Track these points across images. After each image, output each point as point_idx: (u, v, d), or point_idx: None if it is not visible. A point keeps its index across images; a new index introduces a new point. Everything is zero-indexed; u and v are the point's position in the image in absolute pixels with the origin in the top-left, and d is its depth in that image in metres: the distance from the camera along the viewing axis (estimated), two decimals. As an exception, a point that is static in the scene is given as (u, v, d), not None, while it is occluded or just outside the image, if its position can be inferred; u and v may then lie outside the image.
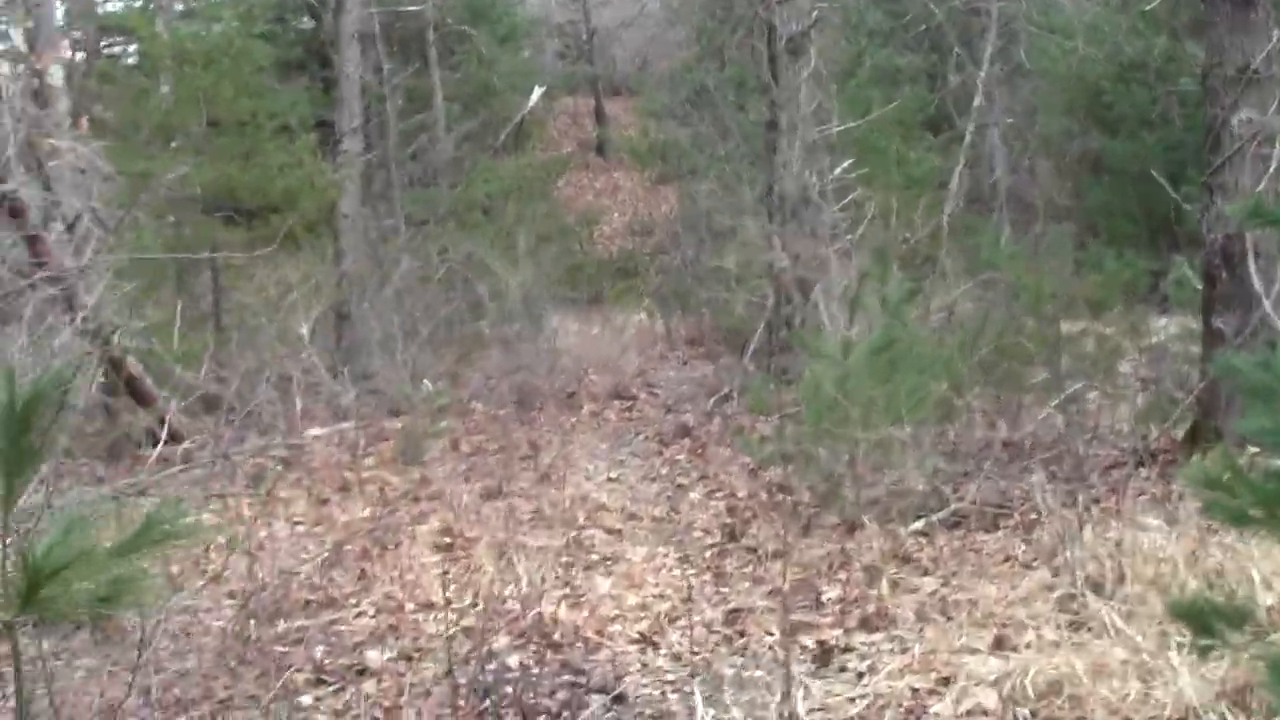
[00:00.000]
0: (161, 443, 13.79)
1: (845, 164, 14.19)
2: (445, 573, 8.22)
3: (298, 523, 10.31)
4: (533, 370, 16.55)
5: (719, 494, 10.51)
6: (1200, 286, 10.30)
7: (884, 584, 7.58)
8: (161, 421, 13.92)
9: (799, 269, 13.25)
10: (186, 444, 13.98)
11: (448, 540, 9.38)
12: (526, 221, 20.29)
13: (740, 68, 19.65)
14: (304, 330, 16.08)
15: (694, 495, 10.59)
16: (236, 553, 9.37)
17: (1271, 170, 9.64)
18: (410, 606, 7.92)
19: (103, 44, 28.52)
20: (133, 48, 26.53)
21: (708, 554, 8.83)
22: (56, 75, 15.03)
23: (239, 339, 16.17)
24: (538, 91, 28.01)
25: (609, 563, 8.63)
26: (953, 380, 10.00)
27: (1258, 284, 9.58)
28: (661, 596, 7.90)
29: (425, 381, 16.29)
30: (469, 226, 21.64)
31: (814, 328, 12.95)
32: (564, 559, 8.63)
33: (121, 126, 17.78)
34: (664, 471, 11.61)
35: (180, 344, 15.22)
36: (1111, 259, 10.80)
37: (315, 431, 14.49)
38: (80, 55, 27.23)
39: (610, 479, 11.44)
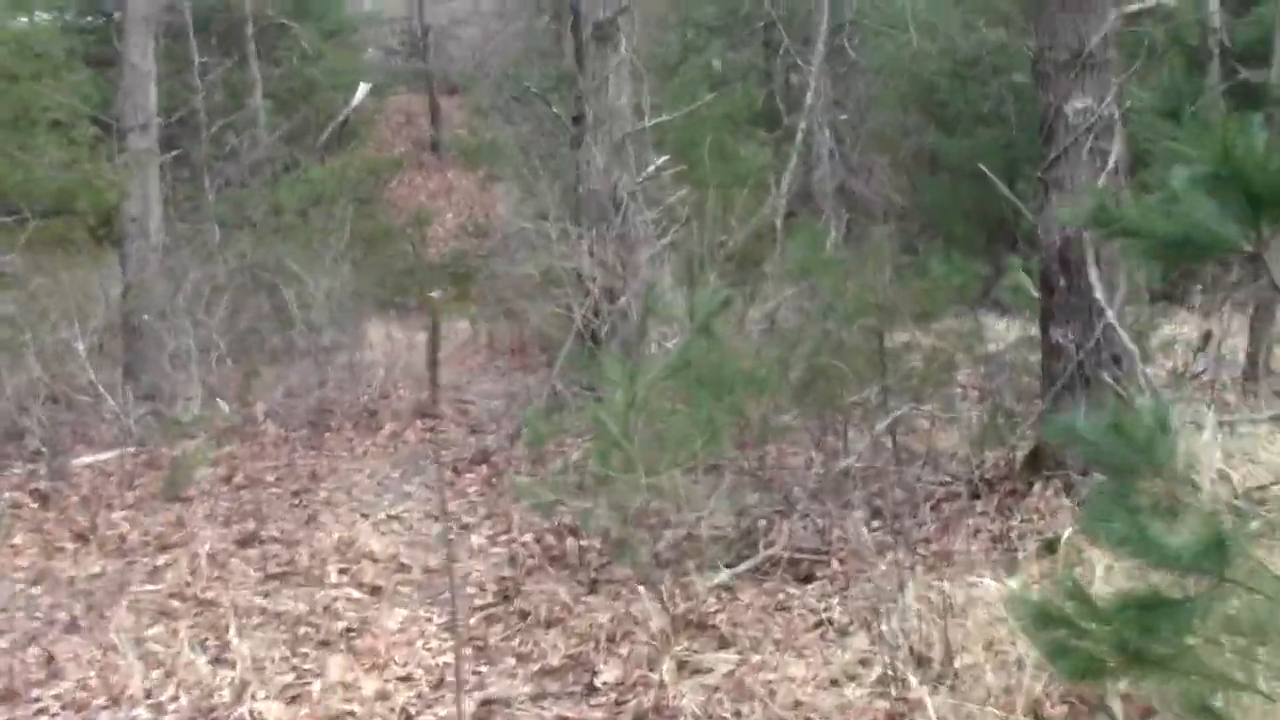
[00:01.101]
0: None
1: (660, 160, 12.79)
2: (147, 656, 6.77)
3: (18, 580, 8.73)
4: (338, 385, 15.06)
5: (505, 536, 9.08)
6: (1037, 294, 9.04)
7: (669, 665, 6.17)
8: (-100, 450, 12.33)
9: (606, 276, 11.89)
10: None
11: (176, 604, 7.89)
12: (341, 224, 18.73)
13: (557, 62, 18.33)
14: (80, 345, 14.45)
15: (477, 539, 9.14)
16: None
17: (1110, 166, 8.41)
18: (99, 701, 6.41)
19: None
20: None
21: (475, 619, 7.39)
22: None
23: (8, 354, 14.48)
24: (363, 89, 26.44)
25: (353, 634, 7.15)
26: (767, 401, 8.70)
27: (1099, 292, 8.33)
28: (408, 680, 6.44)
29: (219, 400, 14.78)
30: (283, 230, 20.03)
31: (624, 340, 11.64)
32: (301, 629, 7.14)
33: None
34: (452, 507, 10.14)
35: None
36: (939, 262, 9.46)
37: (86, 459, 12.90)
38: None
39: (390, 516, 9.97)
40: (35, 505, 11.22)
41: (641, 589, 6.98)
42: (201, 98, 22.25)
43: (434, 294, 5.80)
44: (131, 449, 12.59)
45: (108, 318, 16.07)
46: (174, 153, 19.75)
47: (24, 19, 21.21)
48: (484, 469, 11.21)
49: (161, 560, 8.82)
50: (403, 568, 8.45)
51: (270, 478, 11.44)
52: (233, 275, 18.08)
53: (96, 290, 16.59)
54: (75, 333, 14.60)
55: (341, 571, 8.31)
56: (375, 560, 8.57)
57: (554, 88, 16.49)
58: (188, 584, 8.17)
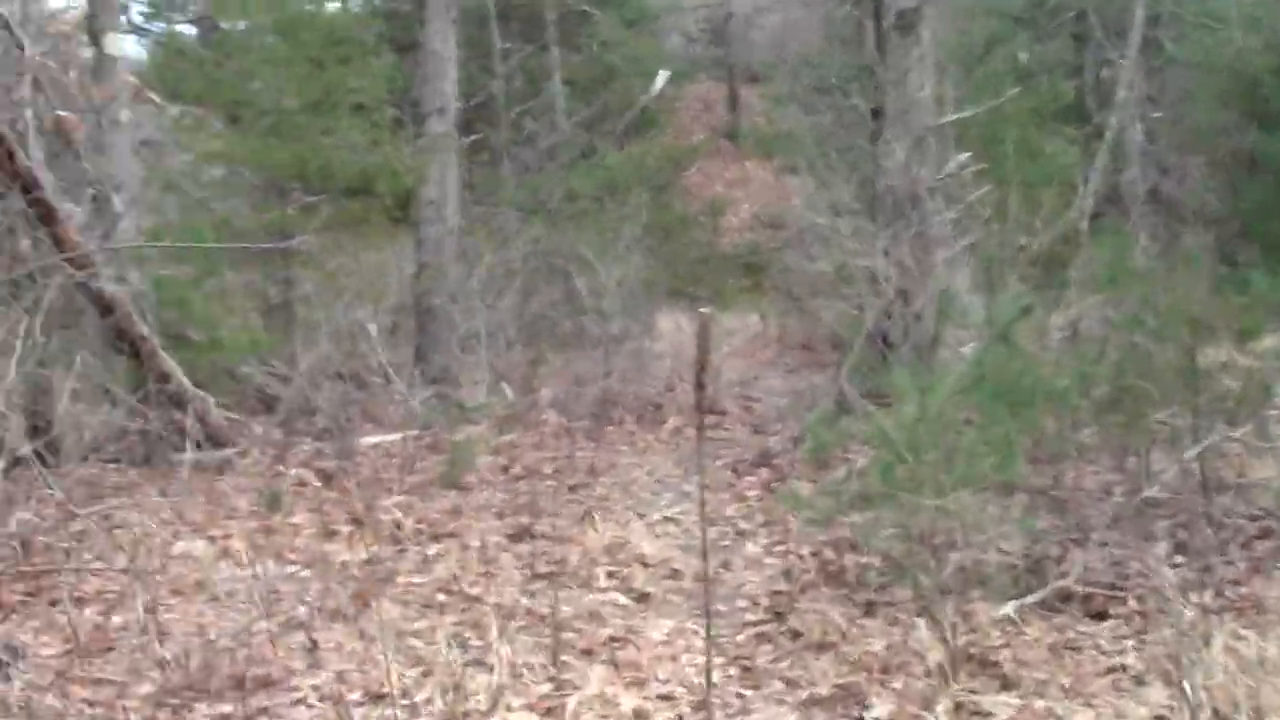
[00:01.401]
0: (206, 446, 12.48)
1: (962, 157, 12.25)
2: (407, 652, 6.59)
3: (292, 561, 8.68)
4: (623, 376, 14.86)
5: (781, 547, 8.69)
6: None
7: (945, 705, 5.73)
8: (202, 423, 12.51)
9: (901, 276, 11.42)
10: (228, 451, 12.59)
11: (442, 598, 7.72)
12: (635, 212, 18.56)
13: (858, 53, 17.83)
14: (372, 326, 14.53)
15: (753, 547, 8.78)
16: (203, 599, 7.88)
17: None
18: (355, 696, 6.24)
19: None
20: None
21: (743, 636, 7.03)
22: (115, 45, 13.58)
23: (303, 334, 14.66)
24: (663, 76, 26.20)
25: (617, 644, 6.86)
26: (1066, 417, 8.17)
27: None
28: (669, 699, 6.12)
29: (504, 386, 14.72)
30: (577, 216, 19.97)
31: (917, 345, 11.17)
32: (565, 634, 6.87)
33: (189, 103, 16.41)
34: (730, 511, 9.82)
35: (239, 337, 13.72)
36: (1262, 275, 8.71)
37: (372, 440, 12.95)
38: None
39: (665, 518, 9.68)
40: (319, 483, 11.27)
41: (920, 619, 6.55)
42: (501, 83, 22.37)
43: (704, 310, 5.49)
44: (415, 432, 12.54)
45: (401, 299, 16.18)
46: (472, 137, 19.86)
47: (334, 4, 21.65)
48: (765, 472, 10.86)
49: (433, 550, 8.69)
50: (674, 574, 8.13)
51: (548, 469, 11.27)
52: (526, 260, 18.07)
53: (391, 272, 16.73)
54: (369, 313, 14.72)
55: (610, 575, 8.04)
56: (646, 565, 8.28)
57: (854, 78, 16.02)
58: (455, 577, 7.99)
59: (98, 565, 8.58)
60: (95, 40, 13.54)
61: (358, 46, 17.07)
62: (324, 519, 9.62)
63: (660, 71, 26.23)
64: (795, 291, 17.79)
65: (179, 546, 8.99)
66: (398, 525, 9.25)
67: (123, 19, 23.58)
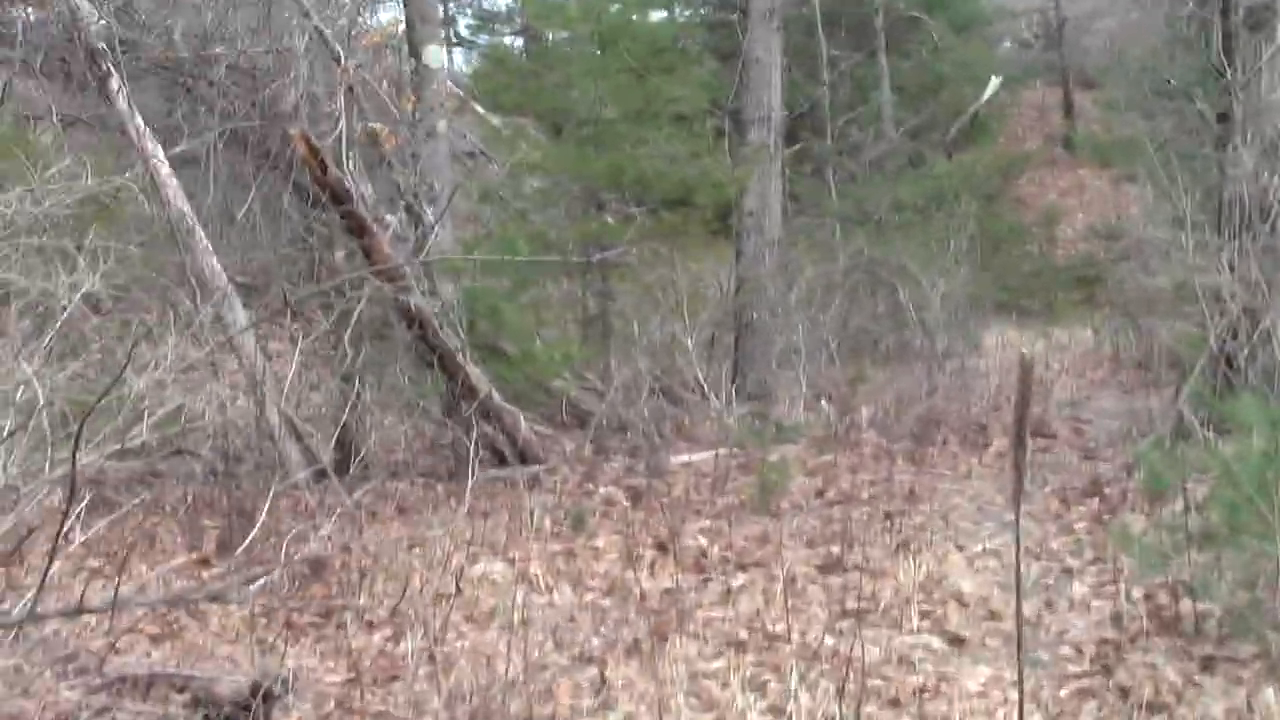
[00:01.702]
0: (515, 462, 12.30)
1: (1320, 167, 11.27)
2: (701, 695, 6.15)
3: (591, 588, 8.33)
4: (947, 395, 14.19)
5: (1110, 587, 7.96)
6: None
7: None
8: (511, 438, 12.34)
9: (1248, 294, 10.53)
10: (536, 467, 12.38)
11: (743, 634, 7.26)
12: (962, 222, 17.88)
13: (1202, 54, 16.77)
14: (689, 340, 14.20)
15: (1079, 587, 8.04)
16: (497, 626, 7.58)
17: None
18: (642, 747, 5.83)
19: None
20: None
21: (1065, 690, 6.37)
22: (434, 58, 13.53)
23: (618, 348, 14.39)
24: (994, 82, 25.43)
25: (926, 694, 6.28)
26: None
27: None
28: (979, 765, 5.54)
29: (823, 403, 14.22)
30: (903, 227, 19.36)
31: (1266, 370, 10.28)
32: (871, 681, 6.33)
33: (510, 113, 16.35)
34: (1056, 544, 9.10)
35: (552, 351, 13.51)
36: None
37: (684, 458, 12.58)
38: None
39: (986, 550, 9.01)
40: (627, 503, 10.93)
41: (1268, 683, 5.82)
42: (827, 91, 21.90)
43: (1025, 351, 5.04)
44: (729, 450, 12.12)
45: (719, 313, 15.81)
46: (795, 147, 19.44)
47: (660, 13, 21.45)
48: (1095, 502, 10.08)
49: (738, 581, 8.21)
50: (993, 615, 7.49)
51: (865, 494, 10.70)
52: (848, 273, 17.56)
53: (710, 284, 16.40)
54: (686, 327, 14.38)
55: (924, 614, 7.44)
56: (964, 603, 7.66)
57: (1198, 81, 15.02)
58: (758, 612, 7.51)
59: (390, 588, 8.36)
60: (415, 53, 13.51)
61: (679, 56, 16.80)
62: (628, 543, 9.25)
63: (992, 77, 25.44)
64: (1131, 307, 16.87)
65: (478, 568, 8.71)
66: (702, 553, 8.81)
67: (445, 32, 23.84)
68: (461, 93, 20.00)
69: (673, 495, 11.14)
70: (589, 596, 8.09)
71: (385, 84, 12.22)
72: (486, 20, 27.29)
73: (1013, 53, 34.66)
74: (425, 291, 12.01)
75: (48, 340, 9.13)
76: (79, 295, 10.46)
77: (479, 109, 18.47)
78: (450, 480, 11.95)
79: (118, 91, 11.77)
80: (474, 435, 12.19)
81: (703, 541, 9.21)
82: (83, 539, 8.02)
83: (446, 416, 12.23)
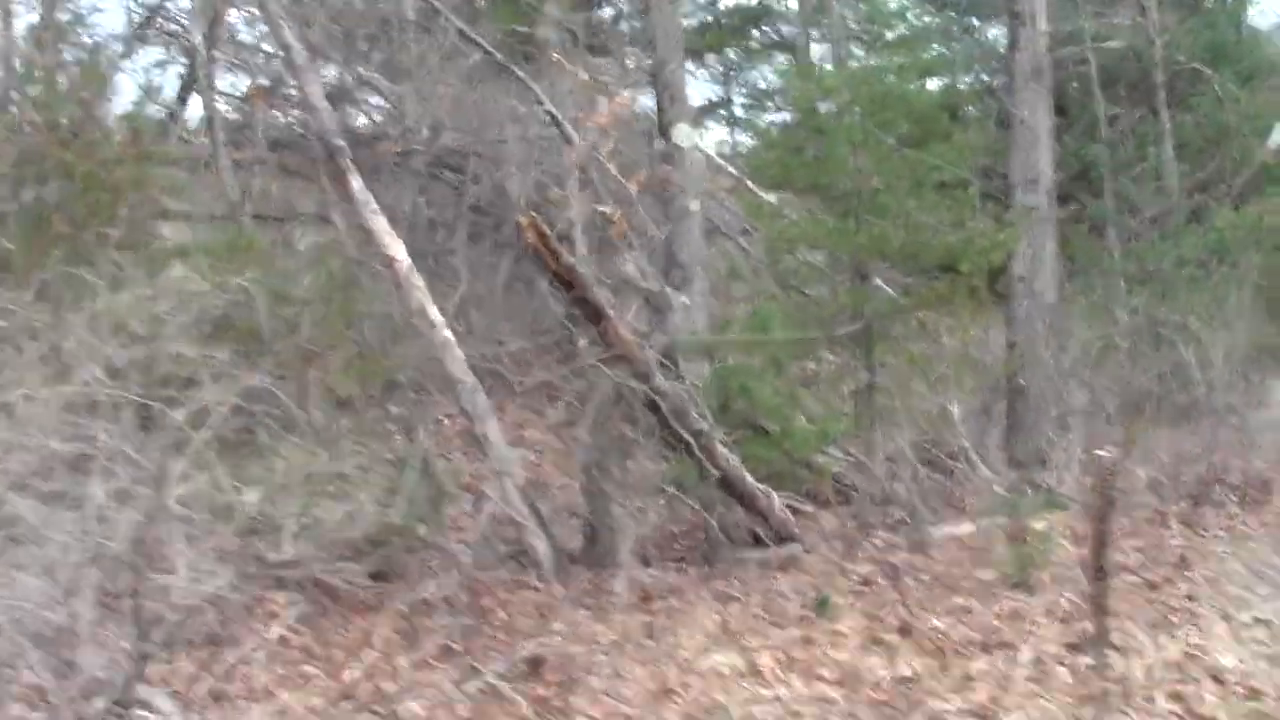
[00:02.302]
0: (770, 542, 11.89)
1: None
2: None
3: (823, 679, 7.86)
4: (1228, 452, 13.28)
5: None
6: None
7: None
8: (764, 518, 11.92)
9: None
10: (793, 547, 11.94)
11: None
12: (1246, 274, 16.83)
13: None
14: (955, 408, 13.61)
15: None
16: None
17: None
18: None
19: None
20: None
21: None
22: (685, 137, 13.36)
23: (883, 419, 13.84)
24: (1278, 129, 24.00)
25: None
26: None
27: None
28: None
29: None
30: (1185, 283, 18.33)
31: None
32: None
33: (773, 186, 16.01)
34: (1344, 611, 8.31)
35: (810, 427, 13.07)
36: None
37: (949, 530, 12.03)
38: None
39: (1257, 619, 8.28)
40: (885, 581, 10.44)
41: None
42: (1105, 150, 20.98)
43: (1104, 452, 4.49)
44: (995, 521, 11.49)
45: (990, 380, 15.14)
46: (1071, 208, 18.67)
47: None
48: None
49: (978, 665, 7.66)
50: (1253, 693, 6.81)
51: (1133, 561, 10.00)
52: (1127, 333, 16.70)
53: (980, 350, 15.75)
54: (953, 395, 13.79)
55: (1174, 696, 6.79)
56: (1221, 681, 6.98)
57: None
58: (993, 700, 6.96)
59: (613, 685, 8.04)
60: (664, 133, 13.34)
61: (947, 122, 16.27)
62: (872, 626, 8.76)
63: (1276, 124, 24.09)
64: None
65: (710, 660, 8.33)
66: (942, 634, 8.25)
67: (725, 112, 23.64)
68: (735, 172, 19.80)
69: (932, 571, 10.62)
70: (819, 688, 7.62)
71: (611, 165, 11.91)
72: (761, 97, 27.05)
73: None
74: (673, 375, 11.73)
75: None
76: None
77: (752, 186, 18.17)
78: (703, 565, 11.62)
79: (357, 188, 11.81)
80: (725, 517, 11.90)
81: (947, 622, 8.66)
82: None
83: (698, 500, 11.86)
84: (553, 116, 11.41)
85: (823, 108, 14.44)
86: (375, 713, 7.65)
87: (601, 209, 10.78)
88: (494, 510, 12.93)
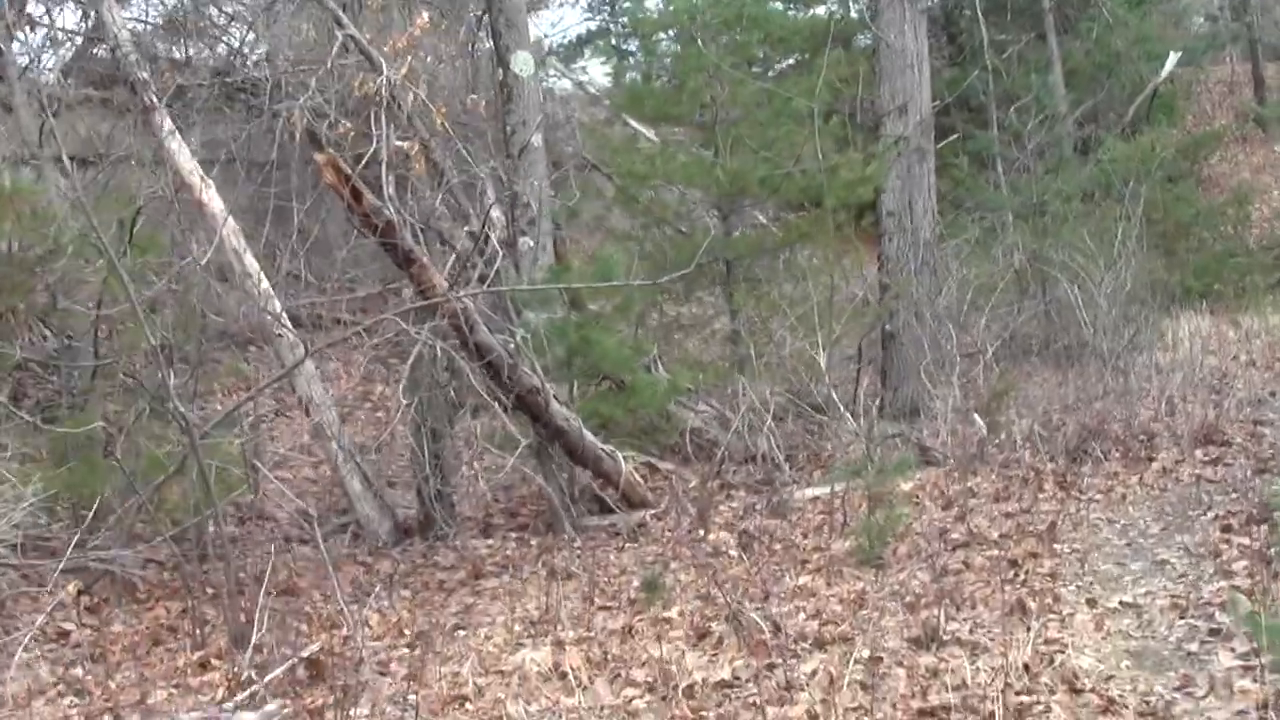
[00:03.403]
0: (620, 508, 10.85)
1: None
2: None
3: (632, 683, 6.73)
4: (1114, 402, 12.30)
5: (1269, 659, 6.13)
6: None
7: None
8: (611, 482, 10.88)
9: None
10: (644, 512, 10.90)
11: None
12: (1137, 208, 15.85)
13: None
14: (822, 356, 12.57)
15: (1226, 658, 6.24)
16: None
17: None
18: None
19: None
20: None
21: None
22: (524, 65, 12.15)
23: (746, 368, 12.81)
24: (1173, 58, 23.14)
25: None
26: None
27: None
28: None
29: (975, 418, 12.45)
30: (1069, 219, 17.37)
31: None
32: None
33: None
34: (1208, 592, 7.28)
35: (657, 379, 12.03)
36: None
37: (813, 492, 10.99)
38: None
39: (1125, 603, 7.26)
40: (736, 552, 9.41)
41: None
42: (987, 77, 19.89)
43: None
44: (857, 481, 10.43)
45: (861, 324, 14.08)
46: (951, 138, 17.65)
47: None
48: (1262, 531, 8.19)
49: (808, 667, 6.55)
50: (1109, 706, 5.75)
51: (995, 533, 8.98)
52: (1005, 273, 15.72)
53: (848, 294, 14.70)
54: (821, 341, 12.72)
55: (1017, 712, 5.73)
56: (1075, 689, 5.93)
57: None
58: (810, 714, 5.89)
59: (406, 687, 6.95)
60: (502, 61, 12.15)
61: (806, 47, 15.19)
62: (705, 611, 7.69)
63: (1170, 53, 23.23)
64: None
65: (518, 657, 7.25)
66: (776, 628, 7.15)
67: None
68: (608, 104, 18.63)
69: (788, 540, 9.59)
70: (627, 693, 6.52)
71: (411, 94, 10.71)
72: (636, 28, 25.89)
73: (1202, 28, 32.06)
74: (503, 326, 10.64)
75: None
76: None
77: (632, 123, 16.98)
78: (547, 533, 10.58)
79: (162, 125, 10.61)
80: (568, 482, 10.88)
81: (786, 608, 7.60)
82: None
83: (537, 463, 10.78)
84: (355, 40, 10.17)
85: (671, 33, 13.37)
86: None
87: (399, 142, 9.55)
88: (323, 478, 11.89)
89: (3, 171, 9.42)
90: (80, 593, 8.50)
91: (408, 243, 9.35)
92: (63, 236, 9.06)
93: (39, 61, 12.71)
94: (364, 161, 9.49)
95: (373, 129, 9.59)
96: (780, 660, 6.64)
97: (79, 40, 13.32)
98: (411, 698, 6.69)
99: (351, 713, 6.44)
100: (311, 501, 11.24)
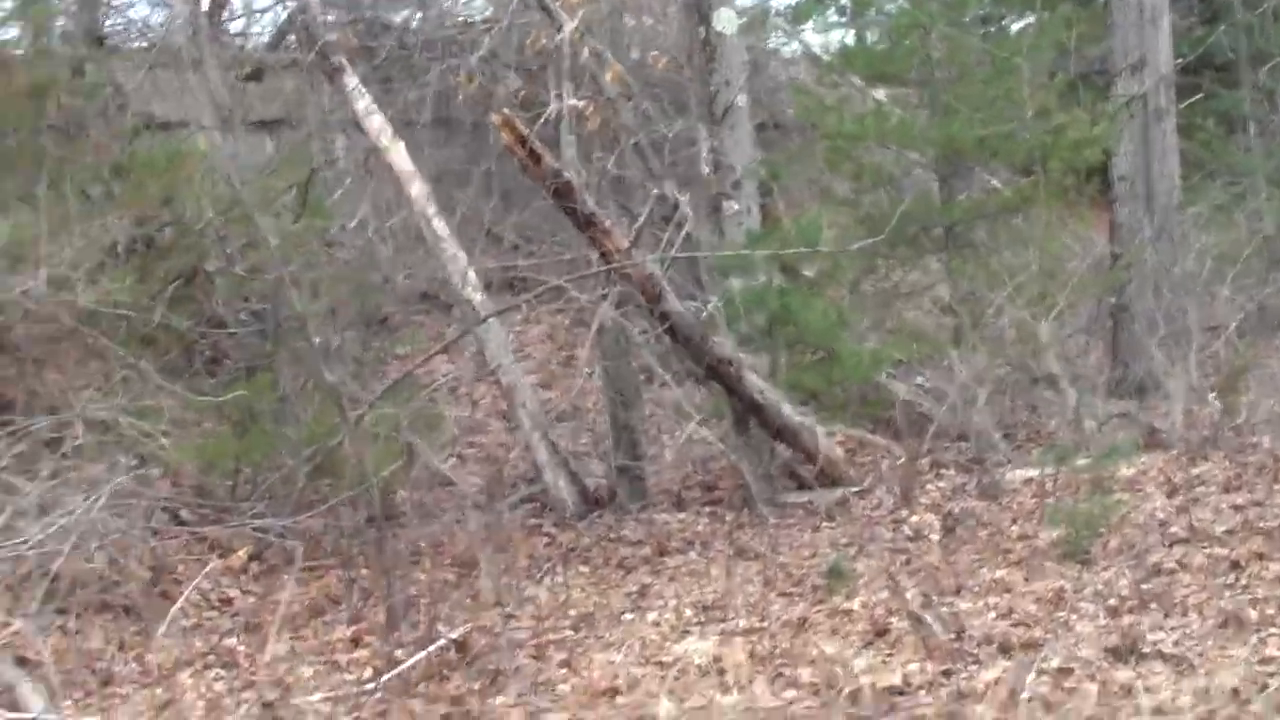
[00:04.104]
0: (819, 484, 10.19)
1: None
2: None
3: (794, 682, 6.10)
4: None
5: None
6: None
7: None
8: (809, 457, 10.23)
9: None
10: (844, 489, 10.23)
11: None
12: None
13: None
14: (1044, 328, 11.71)
15: None
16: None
17: None
18: None
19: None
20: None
21: None
22: (728, 23, 11.53)
23: (961, 338, 12.01)
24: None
25: None
26: None
27: None
28: None
29: (1212, 398, 11.49)
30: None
31: None
32: None
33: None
34: None
35: (862, 350, 11.32)
36: None
37: (1028, 473, 10.17)
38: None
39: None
40: (937, 536, 8.72)
41: None
42: (1235, 34, 18.48)
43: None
44: (1076, 464, 9.59)
45: (1090, 296, 13.14)
46: (1194, 99, 16.41)
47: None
48: None
49: (989, 674, 5.82)
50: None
51: (1219, 528, 8.08)
52: (1251, 241, 14.52)
53: (1077, 263, 13.70)
54: (1041, 313, 11.86)
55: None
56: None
57: None
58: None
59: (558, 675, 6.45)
60: (704, 18, 11.53)
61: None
62: (889, 605, 7.01)
63: None
64: None
65: (682, 646, 6.69)
66: (959, 631, 6.41)
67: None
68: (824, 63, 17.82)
69: (996, 525, 8.86)
70: (789, 694, 5.89)
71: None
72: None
73: None
74: (698, 293, 10.11)
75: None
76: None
77: (854, 81, 16.18)
78: (742, 510, 9.97)
79: (350, 86, 10.31)
80: (764, 456, 10.28)
81: (976, 605, 6.89)
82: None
83: (731, 436, 10.20)
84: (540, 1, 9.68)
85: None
86: (269, 707, 6.13)
87: (574, 102, 9.02)
88: (509, 446, 11.48)
89: (192, 136, 9.17)
90: (251, 558, 8.26)
91: (588, 205, 8.85)
92: (241, 200, 8.75)
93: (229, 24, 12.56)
94: (542, 120, 8.99)
95: (551, 88, 9.09)
96: (958, 666, 5.94)
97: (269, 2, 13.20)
98: (561, 687, 6.20)
99: (493, 701, 5.96)
100: (503, 470, 10.90)
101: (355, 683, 6.43)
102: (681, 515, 10.07)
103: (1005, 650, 6.17)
